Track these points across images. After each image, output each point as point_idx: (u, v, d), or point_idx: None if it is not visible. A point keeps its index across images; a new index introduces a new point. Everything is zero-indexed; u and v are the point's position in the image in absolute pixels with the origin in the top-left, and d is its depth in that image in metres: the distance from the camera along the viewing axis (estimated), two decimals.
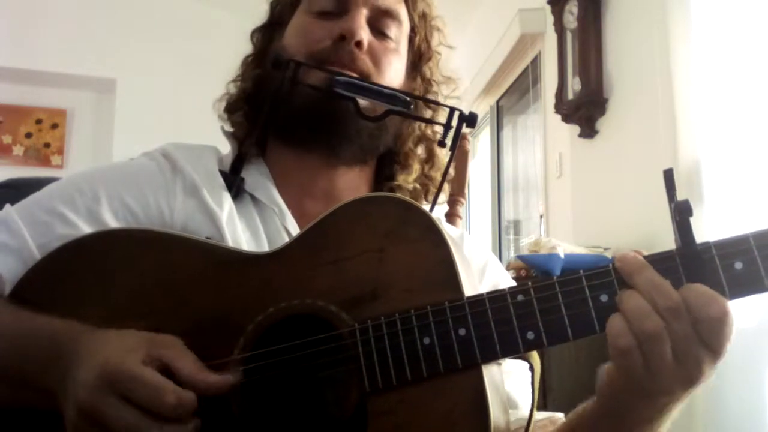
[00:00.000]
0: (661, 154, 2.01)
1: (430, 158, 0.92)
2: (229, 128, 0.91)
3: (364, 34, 0.84)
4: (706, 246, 0.56)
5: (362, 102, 0.81)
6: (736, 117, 1.89)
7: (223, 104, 0.92)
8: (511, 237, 3.85)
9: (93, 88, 4.37)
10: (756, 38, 1.86)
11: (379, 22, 0.87)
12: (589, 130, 2.64)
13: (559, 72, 2.81)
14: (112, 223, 0.77)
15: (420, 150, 0.92)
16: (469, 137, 1.41)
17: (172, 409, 0.57)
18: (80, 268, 0.72)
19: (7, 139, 4.30)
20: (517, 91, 3.77)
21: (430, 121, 0.89)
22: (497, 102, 4.01)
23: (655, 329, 0.55)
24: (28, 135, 4.33)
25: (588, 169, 2.70)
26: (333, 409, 0.65)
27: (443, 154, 0.92)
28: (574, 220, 2.78)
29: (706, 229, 1.72)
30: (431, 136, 0.92)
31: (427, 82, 0.93)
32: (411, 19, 0.91)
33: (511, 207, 3.84)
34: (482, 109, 4.19)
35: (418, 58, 0.92)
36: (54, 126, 4.37)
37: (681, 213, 0.56)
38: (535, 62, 3.30)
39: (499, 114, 4.05)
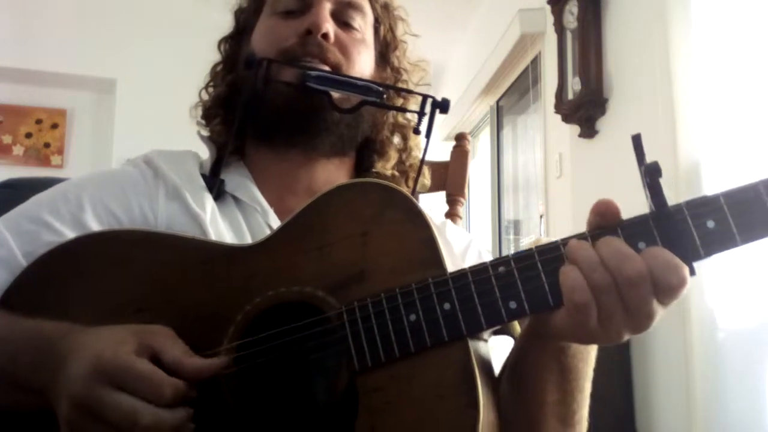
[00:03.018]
0: (661, 154, 2.01)
1: (406, 146, 0.95)
2: (206, 133, 0.92)
3: (330, 26, 0.86)
4: (678, 207, 0.57)
5: (336, 95, 0.83)
6: (736, 117, 1.89)
7: (199, 111, 0.94)
8: (511, 237, 3.85)
9: (93, 88, 4.37)
10: (756, 38, 1.86)
11: (343, 14, 0.89)
12: (589, 130, 2.64)
13: (559, 72, 2.81)
14: (97, 228, 0.78)
15: (396, 139, 0.94)
16: (469, 137, 1.41)
17: (170, 400, 0.58)
18: (68, 272, 0.73)
19: (7, 139, 4.30)
20: (517, 91, 3.76)
21: (405, 110, 0.91)
22: (497, 102, 4.01)
23: (609, 286, 0.55)
24: (28, 135, 4.32)
25: (588, 169, 2.70)
26: (324, 391, 0.65)
27: (419, 141, 0.94)
28: (574, 220, 2.78)
29: None
30: (406, 123, 0.95)
31: (396, 71, 0.95)
32: (374, 9, 0.93)
33: (511, 207, 3.84)
34: (482, 109, 4.19)
35: (385, 47, 0.95)
36: (54, 126, 4.37)
37: (651, 175, 0.57)
38: (535, 62, 3.30)
39: (499, 114, 4.05)
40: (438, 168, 1.33)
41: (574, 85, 2.69)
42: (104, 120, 4.31)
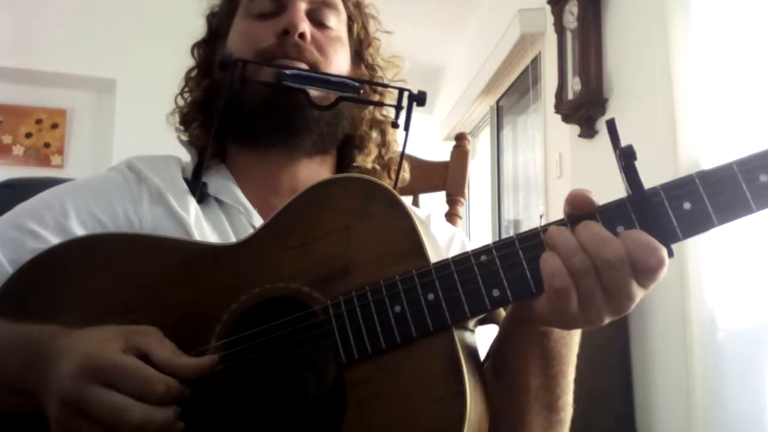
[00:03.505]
0: (661, 154, 2.01)
1: (384, 141, 0.95)
2: (185, 138, 0.93)
3: (306, 26, 0.87)
4: (655, 190, 0.57)
5: (313, 92, 0.83)
6: (736, 117, 1.89)
7: (177, 118, 0.94)
8: None
9: (93, 88, 4.37)
10: (756, 38, 1.86)
11: (318, 13, 0.90)
12: (589, 130, 2.64)
13: (559, 72, 2.81)
14: (81, 234, 0.78)
15: (374, 134, 0.95)
16: (468, 137, 1.41)
17: (161, 396, 0.58)
18: (54, 277, 0.73)
19: (7, 139, 4.29)
20: (517, 91, 3.76)
21: (382, 104, 0.92)
22: (497, 102, 4.01)
23: (588, 270, 0.55)
24: (28, 135, 4.32)
25: (588, 169, 2.70)
26: (313, 386, 0.66)
27: (398, 136, 0.95)
28: None
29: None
30: (383, 119, 0.95)
31: (371, 68, 0.96)
32: (347, 8, 0.94)
33: (511, 207, 3.84)
34: (482, 109, 4.19)
35: (359, 45, 0.95)
36: (54, 126, 4.36)
37: (626, 158, 0.57)
38: (535, 62, 3.30)
39: (499, 114, 4.05)
40: (438, 168, 1.33)
41: (574, 85, 2.69)
42: (104, 120, 4.30)
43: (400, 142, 0.92)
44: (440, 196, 1.34)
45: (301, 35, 0.86)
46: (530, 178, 3.49)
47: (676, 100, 2.01)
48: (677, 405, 2.01)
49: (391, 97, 0.92)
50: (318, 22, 0.90)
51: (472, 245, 0.91)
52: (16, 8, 4.06)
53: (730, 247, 1.85)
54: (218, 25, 0.96)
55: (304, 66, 0.85)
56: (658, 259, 0.55)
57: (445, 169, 1.32)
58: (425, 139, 4.72)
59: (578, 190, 0.59)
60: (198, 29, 1.00)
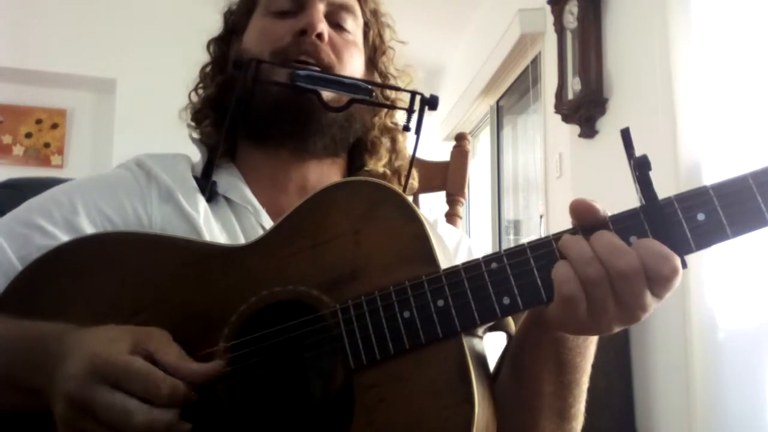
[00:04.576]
0: (661, 154, 2.01)
1: (395, 148, 0.95)
2: (197, 135, 0.93)
3: (324, 27, 0.87)
4: (668, 200, 0.57)
5: (325, 94, 0.83)
6: (736, 117, 1.89)
7: (189, 114, 0.94)
8: (511, 237, 3.85)
9: (93, 88, 4.36)
10: (756, 38, 1.86)
11: (336, 16, 0.90)
12: (589, 130, 2.64)
13: (559, 72, 2.81)
14: (91, 231, 0.78)
15: (386, 140, 0.95)
16: (469, 137, 1.41)
17: (167, 398, 0.57)
18: (63, 275, 0.73)
19: (7, 139, 4.29)
20: (517, 91, 3.76)
21: (394, 107, 0.92)
22: (497, 102, 4.01)
23: (602, 280, 0.55)
24: (28, 135, 4.32)
25: (588, 169, 2.70)
26: (320, 390, 0.66)
27: (408, 144, 0.95)
28: None
29: None
30: (394, 126, 0.95)
31: (384, 76, 0.96)
32: (363, 14, 0.94)
33: (511, 207, 3.84)
34: (482, 109, 4.19)
35: (374, 52, 0.95)
36: (54, 126, 4.36)
37: (640, 168, 0.57)
38: (535, 62, 3.30)
39: (499, 114, 4.05)
40: (438, 168, 1.33)
41: (574, 85, 2.69)
42: (104, 120, 4.30)
43: (410, 149, 0.92)
44: (440, 196, 1.33)
45: (319, 36, 0.86)
46: (530, 178, 3.49)
47: (676, 100, 2.01)
48: (677, 405, 2.01)
49: (402, 103, 0.92)
50: (335, 24, 0.90)
51: (477, 250, 0.91)
52: (16, 8, 4.06)
53: (731, 247, 1.85)
54: (235, 22, 0.96)
55: (317, 67, 0.85)
56: (671, 268, 0.54)
57: (445, 169, 1.32)
58: (425, 139, 4.72)
59: (580, 199, 0.59)
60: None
